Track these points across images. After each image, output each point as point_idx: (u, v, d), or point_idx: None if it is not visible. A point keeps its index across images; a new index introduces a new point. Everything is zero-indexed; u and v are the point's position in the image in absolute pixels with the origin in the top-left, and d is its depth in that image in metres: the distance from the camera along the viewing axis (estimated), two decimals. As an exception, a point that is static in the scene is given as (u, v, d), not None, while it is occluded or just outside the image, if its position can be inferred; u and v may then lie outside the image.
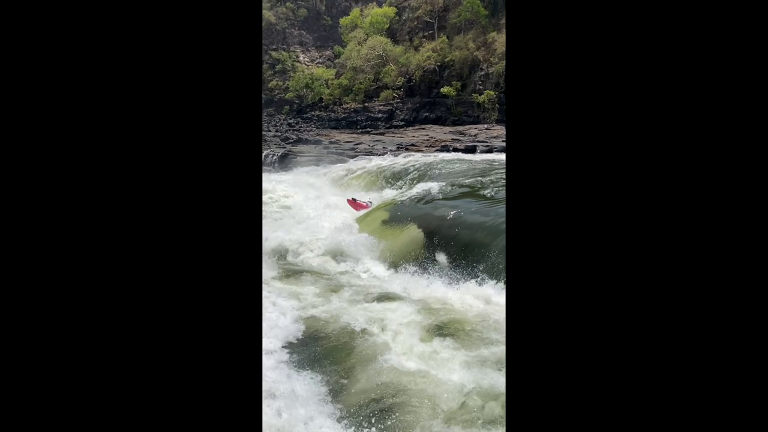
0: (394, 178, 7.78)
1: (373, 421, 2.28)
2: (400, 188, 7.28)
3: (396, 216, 5.66)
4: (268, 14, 32.56)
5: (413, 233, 5.07)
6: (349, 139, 15.48)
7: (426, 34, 23.44)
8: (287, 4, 33.47)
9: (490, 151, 10.42)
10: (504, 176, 5.88)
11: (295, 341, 3.11)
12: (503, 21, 18.18)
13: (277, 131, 23.02)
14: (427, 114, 19.99)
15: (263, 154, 13.90)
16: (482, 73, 18.54)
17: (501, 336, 2.88)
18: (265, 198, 7.85)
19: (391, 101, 22.13)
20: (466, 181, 6.21)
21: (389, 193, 7.25)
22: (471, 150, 11.03)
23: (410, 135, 15.70)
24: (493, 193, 5.43)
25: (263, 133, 22.12)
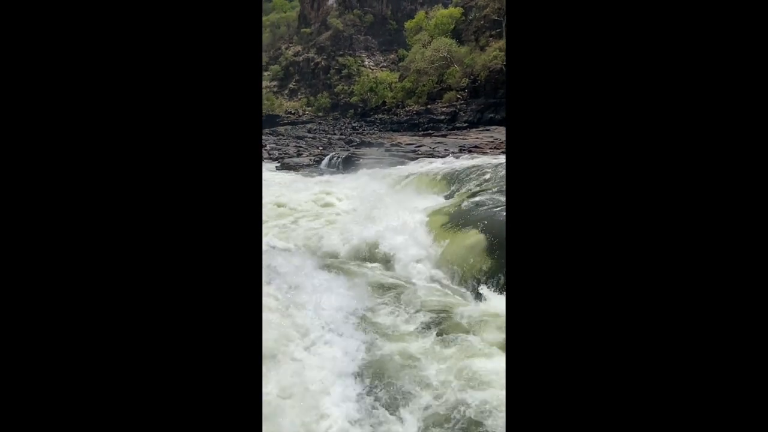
0: (454, 180, 7.53)
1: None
2: (460, 190, 7.01)
3: (456, 219, 5.43)
4: (336, 22, 33.68)
5: (474, 238, 4.81)
6: (411, 142, 15.37)
7: (493, 33, 22.65)
8: (354, 11, 34.33)
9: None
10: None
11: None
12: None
13: (341, 134, 23.66)
14: (492, 115, 19.23)
15: (328, 156, 14.34)
16: (553, 70, 17.37)
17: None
18: (328, 198, 8.00)
19: (454, 103, 21.67)
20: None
21: (448, 196, 7.01)
22: (539, 152, 10.35)
23: (474, 137, 15.20)
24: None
25: (329, 136, 22.89)
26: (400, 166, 9.97)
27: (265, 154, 16.81)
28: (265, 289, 3.48)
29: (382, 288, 4.11)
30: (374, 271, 4.66)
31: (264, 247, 5.85)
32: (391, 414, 2.33)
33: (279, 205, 7.54)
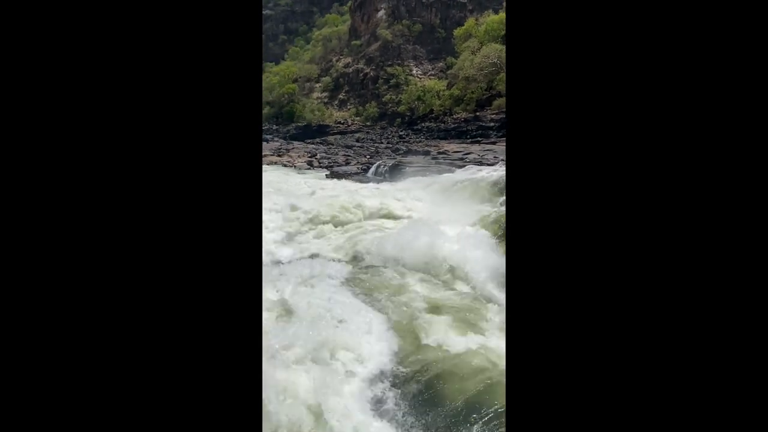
0: (503, 189, 7.28)
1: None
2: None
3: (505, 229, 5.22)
4: (385, 33, 34.25)
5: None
6: (458, 149, 15.14)
7: (546, 36, 21.80)
8: (403, 21, 34.73)
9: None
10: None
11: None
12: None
13: (388, 143, 23.86)
14: (544, 121, 18.35)
15: (375, 165, 14.50)
16: (612, 73, 16.35)
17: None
18: (374, 206, 8.04)
19: (504, 109, 21.09)
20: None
21: (497, 205, 6.79)
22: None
23: (524, 144, 14.61)
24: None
25: (376, 144, 23.20)
26: (447, 174, 9.84)
27: (315, 163, 17.39)
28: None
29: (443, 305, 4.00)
30: (433, 285, 4.54)
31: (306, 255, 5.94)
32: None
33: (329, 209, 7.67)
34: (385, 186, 10.26)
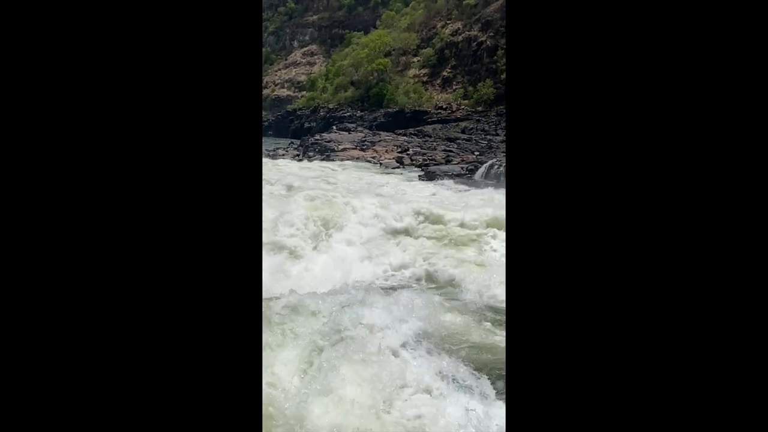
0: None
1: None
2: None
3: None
4: (508, -12, 32.97)
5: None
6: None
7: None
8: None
9: None
10: None
11: None
12: None
13: (506, 135, 22.63)
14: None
15: (486, 164, 13.72)
16: None
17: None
18: (478, 223, 7.27)
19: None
20: None
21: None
22: None
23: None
24: None
25: (489, 137, 22.20)
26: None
27: (406, 159, 17.12)
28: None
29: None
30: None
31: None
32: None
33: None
34: (499, 193, 9.26)
